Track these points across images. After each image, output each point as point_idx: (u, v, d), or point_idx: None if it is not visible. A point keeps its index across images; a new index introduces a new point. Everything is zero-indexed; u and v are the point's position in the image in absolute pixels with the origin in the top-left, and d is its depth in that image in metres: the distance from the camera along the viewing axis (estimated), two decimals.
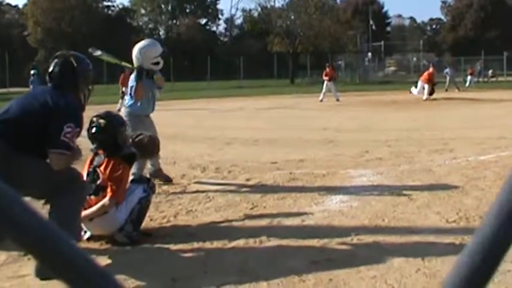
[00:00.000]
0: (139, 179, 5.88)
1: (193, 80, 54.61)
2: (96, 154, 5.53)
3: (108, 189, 5.19)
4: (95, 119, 5.56)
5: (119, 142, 5.43)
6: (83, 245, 5.01)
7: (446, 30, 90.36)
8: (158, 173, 7.88)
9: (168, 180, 7.83)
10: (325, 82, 28.18)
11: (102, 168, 5.36)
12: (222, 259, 4.64)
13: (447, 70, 38.07)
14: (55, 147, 4.43)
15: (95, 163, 5.47)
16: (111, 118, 5.62)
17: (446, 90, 35.05)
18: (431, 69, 27.89)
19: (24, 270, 4.46)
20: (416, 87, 28.05)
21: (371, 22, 64.28)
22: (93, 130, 5.48)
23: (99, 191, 5.23)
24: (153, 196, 5.82)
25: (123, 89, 24.71)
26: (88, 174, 5.39)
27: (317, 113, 21.43)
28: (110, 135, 5.41)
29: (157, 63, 7.72)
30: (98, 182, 5.29)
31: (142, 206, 5.36)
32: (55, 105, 4.51)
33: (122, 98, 24.46)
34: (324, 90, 27.97)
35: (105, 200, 5.12)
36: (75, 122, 4.53)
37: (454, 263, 0.52)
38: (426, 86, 27.03)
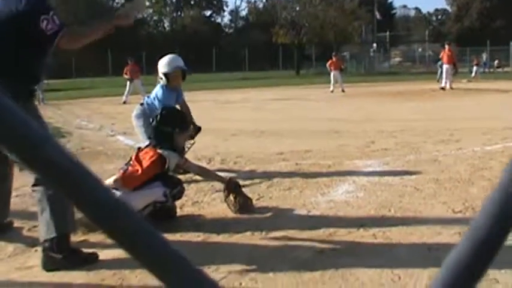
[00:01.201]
0: (168, 180, 5.51)
1: (198, 72, 54.45)
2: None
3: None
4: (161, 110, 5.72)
5: (174, 143, 5.48)
6: (85, 236, 5.03)
7: (451, 20, 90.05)
8: None
9: None
10: (332, 72, 28.23)
11: (135, 156, 5.46)
12: (228, 250, 4.65)
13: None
14: (50, 44, 4.36)
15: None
16: (173, 116, 5.65)
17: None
18: (447, 49, 27.63)
19: (31, 262, 4.47)
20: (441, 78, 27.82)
21: (376, 12, 64.07)
22: (154, 123, 5.57)
23: None
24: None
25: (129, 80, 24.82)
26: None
27: (322, 103, 21.42)
28: (167, 134, 5.46)
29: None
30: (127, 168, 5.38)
31: (155, 209, 5.26)
32: (16, 9, 4.29)
33: (128, 90, 24.57)
34: (332, 81, 28.06)
35: (110, 180, 5.12)
36: (43, 9, 4.30)
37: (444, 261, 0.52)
38: (449, 69, 26.82)
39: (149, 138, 5.88)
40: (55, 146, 0.49)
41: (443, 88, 26.32)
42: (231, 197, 5.80)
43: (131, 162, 5.46)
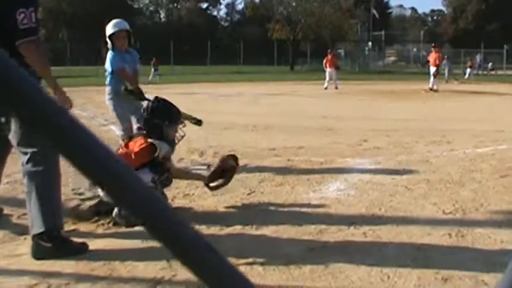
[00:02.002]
0: (156, 166, 5.43)
1: (193, 64, 54.51)
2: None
3: None
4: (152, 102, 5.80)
5: (164, 135, 5.48)
6: (75, 226, 5.02)
7: (447, 21, 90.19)
8: None
9: None
10: (327, 70, 28.27)
11: (124, 144, 5.56)
12: (218, 244, 4.62)
13: (444, 62, 38.07)
14: (19, 39, 4.17)
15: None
16: (164, 108, 5.72)
17: (447, 82, 35.07)
18: (433, 52, 27.41)
19: (20, 249, 4.46)
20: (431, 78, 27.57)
21: (374, 11, 64.09)
22: (145, 112, 5.63)
23: None
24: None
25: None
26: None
27: (316, 100, 21.42)
28: (158, 126, 5.51)
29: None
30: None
31: None
32: None
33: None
34: (327, 78, 28.08)
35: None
36: (23, 2, 4.21)
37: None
38: (434, 70, 26.50)
39: (138, 128, 5.85)
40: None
41: (432, 89, 26.09)
42: (219, 173, 5.90)
43: (120, 150, 5.47)
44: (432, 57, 26.96)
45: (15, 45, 4.13)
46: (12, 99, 0.47)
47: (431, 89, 25.97)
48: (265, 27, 66.65)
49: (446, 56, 40.95)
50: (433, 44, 29.96)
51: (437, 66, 26.71)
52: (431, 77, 26.52)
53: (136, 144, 5.37)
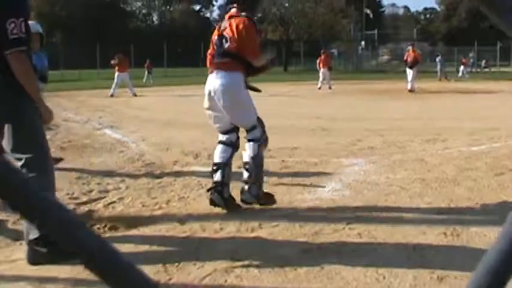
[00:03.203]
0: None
1: (186, 66, 54.45)
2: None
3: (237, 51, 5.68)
4: None
5: None
6: None
7: (440, 19, 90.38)
8: None
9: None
10: (321, 70, 28.30)
11: (228, 29, 5.78)
12: (213, 246, 4.64)
13: (439, 58, 38.19)
14: (7, 49, 4.14)
15: (221, 28, 5.88)
16: None
17: (440, 80, 35.18)
18: (411, 51, 26.06)
19: (16, 255, 4.45)
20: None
21: (367, 11, 64.14)
22: None
23: (226, 56, 5.71)
24: (149, 182, 5.79)
25: (117, 73, 24.75)
26: (215, 42, 5.90)
27: (310, 101, 21.43)
28: None
29: None
30: (226, 45, 5.75)
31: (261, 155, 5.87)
32: None
33: (116, 83, 24.50)
34: (320, 78, 28.11)
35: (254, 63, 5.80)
36: (14, 12, 4.18)
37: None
38: (412, 71, 25.32)
39: None
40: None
41: (412, 90, 25.02)
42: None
43: (227, 45, 5.82)
44: (410, 57, 25.66)
45: (4, 55, 4.13)
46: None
47: (410, 90, 24.89)
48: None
49: (439, 54, 41.09)
50: (410, 43, 28.78)
51: (415, 65, 25.44)
52: (410, 78, 25.33)
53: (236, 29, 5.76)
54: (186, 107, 18.59)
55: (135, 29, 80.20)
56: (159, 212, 5.72)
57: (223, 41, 5.80)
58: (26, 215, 0.52)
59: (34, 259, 4.26)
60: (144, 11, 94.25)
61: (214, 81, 5.81)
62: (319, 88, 27.42)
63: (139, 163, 8.39)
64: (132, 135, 11.33)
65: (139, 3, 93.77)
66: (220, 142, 5.97)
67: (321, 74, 28.34)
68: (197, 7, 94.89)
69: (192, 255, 4.37)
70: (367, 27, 63.92)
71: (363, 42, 61.76)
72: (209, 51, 6.03)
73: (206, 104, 5.93)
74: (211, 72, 5.89)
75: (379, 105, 18.75)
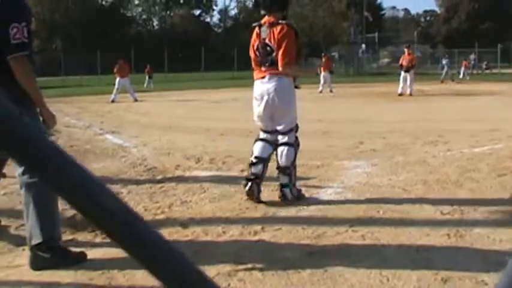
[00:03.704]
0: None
1: (187, 71, 54.48)
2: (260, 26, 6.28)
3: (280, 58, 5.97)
4: None
5: None
6: (73, 235, 5.01)
7: (440, 22, 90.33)
8: None
9: None
10: (322, 73, 28.33)
11: (271, 38, 6.11)
12: (216, 250, 4.64)
13: (446, 61, 38.25)
14: (10, 53, 4.15)
15: (262, 35, 6.17)
16: None
17: (442, 82, 35.18)
18: (406, 53, 25.64)
19: (19, 260, 4.45)
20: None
21: (366, 14, 64.13)
22: None
23: (275, 64, 6.04)
24: (151, 186, 5.78)
25: (117, 79, 24.77)
26: (257, 49, 6.21)
27: (311, 104, 21.40)
28: None
29: None
30: (273, 54, 6.06)
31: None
32: None
33: (117, 89, 24.51)
34: (321, 81, 28.15)
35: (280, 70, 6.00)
36: (17, 16, 4.20)
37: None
38: (409, 75, 24.74)
39: None
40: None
41: (402, 94, 24.58)
42: None
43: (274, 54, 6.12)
44: (405, 60, 25.22)
45: (6, 59, 4.13)
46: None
47: (410, 95, 24.33)
48: None
49: (446, 56, 41.15)
50: (406, 45, 28.26)
51: (412, 68, 24.95)
52: (408, 82, 24.79)
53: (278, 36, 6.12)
54: (187, 111, 18.60)
55: (135, 35, 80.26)
56: (161, 216, 5.72)
57: (268, 49, 6.15)
58: (36, 170, 0.49)
59: (37, 264, 4.25)
60: (144, 16, 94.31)
61: (267, 85, 6.17)
62: (320, 91, 27.46)
63: (141, 168, 8.38)
64: (133, 140, 11.32)
65: (139, 9, 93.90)
66: (261, 140, 6.39)
67: (322, 78, 28.39)
68: (197, 12, 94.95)
69: (195, 259, 4.34)
70: (368, 30, 63.88)
71: (363, 45, 61.71)
72: (252, 56, 6.39)
73: (257, 105, 6.34)
74: (262, 78, 6.23)
75: (380, 108, 18.74)
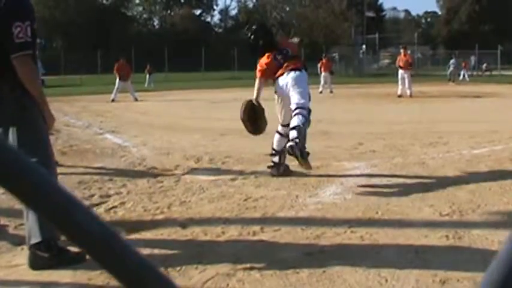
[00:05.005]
0: None
1: (187, 71, 54.47)
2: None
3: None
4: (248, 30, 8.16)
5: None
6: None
7: (440, 23, 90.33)
8: None
9: None
10: (322, 74, 28.44)
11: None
12: (215, 250, 4.64)
13: (453, 61, 38.31)
14: (13, 53, 4.16)
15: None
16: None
17: (451, 80, 35.29)
18: (402, 54, 25.08)
19: (18, 260, 4.45)
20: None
21: (367, 13, 64.14)
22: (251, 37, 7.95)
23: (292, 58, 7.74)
24: (150, 186, 5.77)
25: (118, 79, 24.75)
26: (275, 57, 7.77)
27: (312, 104, 21.41)
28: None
29: None
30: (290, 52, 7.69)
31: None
32: None
33: (117, 88, 24.50)
34: (322, 82, 28.22)
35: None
36: (20, 16, 4.20)
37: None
38: (406, 76, 24.29)
39: None
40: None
41: (401, 95, 24.18)
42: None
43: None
44: (402, 61, 24.69)
45: (9, 58, 4.13)
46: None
47: (410, 96, 23.91)
48: None
49: (454, 56, 41.22)
50: (402, 46, 27.63)
51: (409, 69, 24.67)
52: (406, 83, 24.36)
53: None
54: (187, 111, 18.60)
55: (136, 34, 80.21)
56: (160, 217, 5.72)
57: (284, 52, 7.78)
58: (18, 195, 0.49)
59: (35, 264, 4.25)
60: (145, 16, 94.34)
61: (290, 75, 7.63)
62: (321, 92, 27.48)
63: (141, 167, 8.39)
64: (133, 140, 11.32)
65: (140, 8, 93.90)
66: (279, 133, 7.71)
67: (322, 78, 28.46)
68: (198, 11, 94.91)
69: (194, 259, 4.36)
70: (368, 31, 63.89)
71: (363, 46, 61.73)
72: (267, 65, 8.06)
73: (279, 97, 7.99)
74: (283, 74, 7.69)
75: (380, 109, 18.75)
